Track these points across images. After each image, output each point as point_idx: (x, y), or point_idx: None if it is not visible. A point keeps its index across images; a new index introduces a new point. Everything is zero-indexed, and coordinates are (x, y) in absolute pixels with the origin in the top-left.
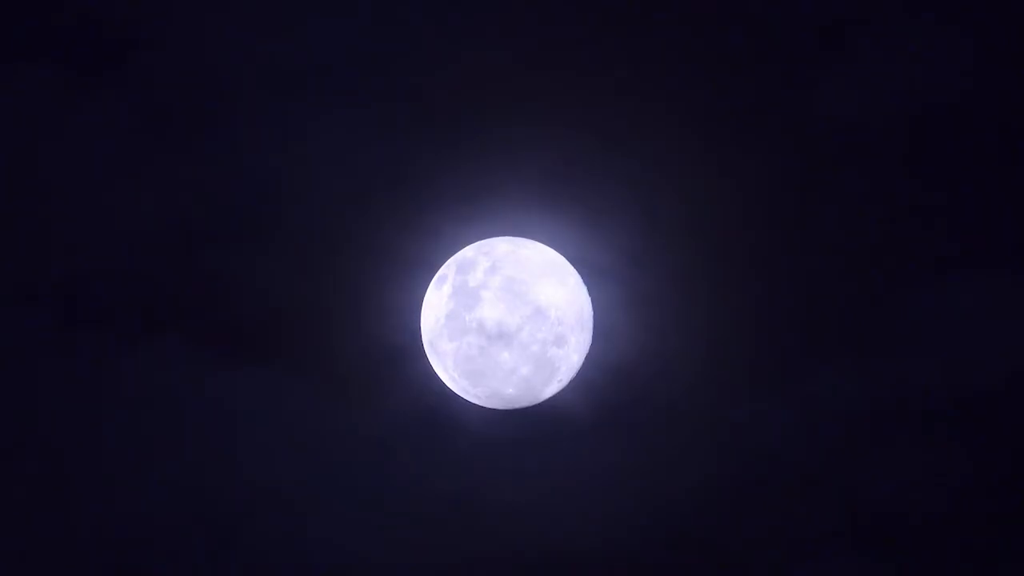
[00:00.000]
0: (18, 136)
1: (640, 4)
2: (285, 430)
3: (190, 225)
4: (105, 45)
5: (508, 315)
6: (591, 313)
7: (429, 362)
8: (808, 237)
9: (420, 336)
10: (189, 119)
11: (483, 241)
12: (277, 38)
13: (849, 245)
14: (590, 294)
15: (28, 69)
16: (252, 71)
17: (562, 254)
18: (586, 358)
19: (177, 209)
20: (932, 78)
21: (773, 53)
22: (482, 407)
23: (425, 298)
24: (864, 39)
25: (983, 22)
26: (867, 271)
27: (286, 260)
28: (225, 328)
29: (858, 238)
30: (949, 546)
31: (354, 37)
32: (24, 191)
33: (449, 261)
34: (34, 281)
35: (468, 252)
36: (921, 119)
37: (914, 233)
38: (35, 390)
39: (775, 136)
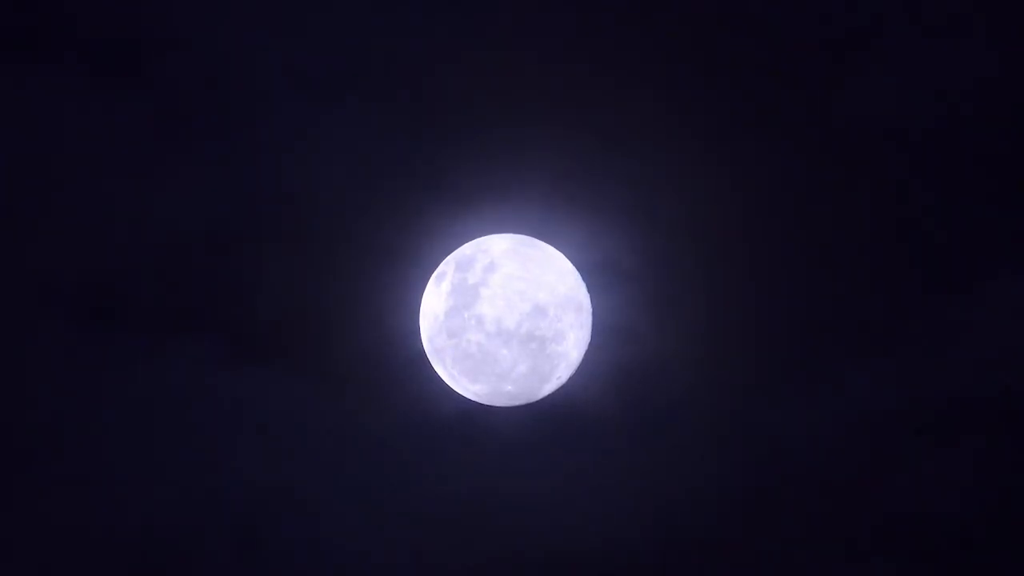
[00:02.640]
0: (42, 137)
1: (646, 4)
2: (284, 429)
3: (198, 228)
4: (132, 47)
5: (507, 312)
6: (590, 310)
7: (428, 359)
8: (824, 239)
9: (419, 333)
10: (205, 122)
11: (482, 238)
12: (298, 40)
13: (873, 248)
14: (589, 291)
15: (54, 70)
16: (270, 73)
17: (561, 251)
18: (585, 355)
19: (184, 213)
20: (960, 80)
21: (789, 55)
22: (481, 404)
23: (424, 295)
24: (883, 42)
25: (1007, 25)
26: (892, 274)
27: (287, 259)
28: (227, 329)
29: (881, 241)
30: (977, 553)
31: (357, 38)
32: (47, 192)
33: (448, 258)
34: (55, 282)
35: (467, 249)
36: (948, 122)
37: (942, 236)
38: (56, 390)
39: (799, 135)
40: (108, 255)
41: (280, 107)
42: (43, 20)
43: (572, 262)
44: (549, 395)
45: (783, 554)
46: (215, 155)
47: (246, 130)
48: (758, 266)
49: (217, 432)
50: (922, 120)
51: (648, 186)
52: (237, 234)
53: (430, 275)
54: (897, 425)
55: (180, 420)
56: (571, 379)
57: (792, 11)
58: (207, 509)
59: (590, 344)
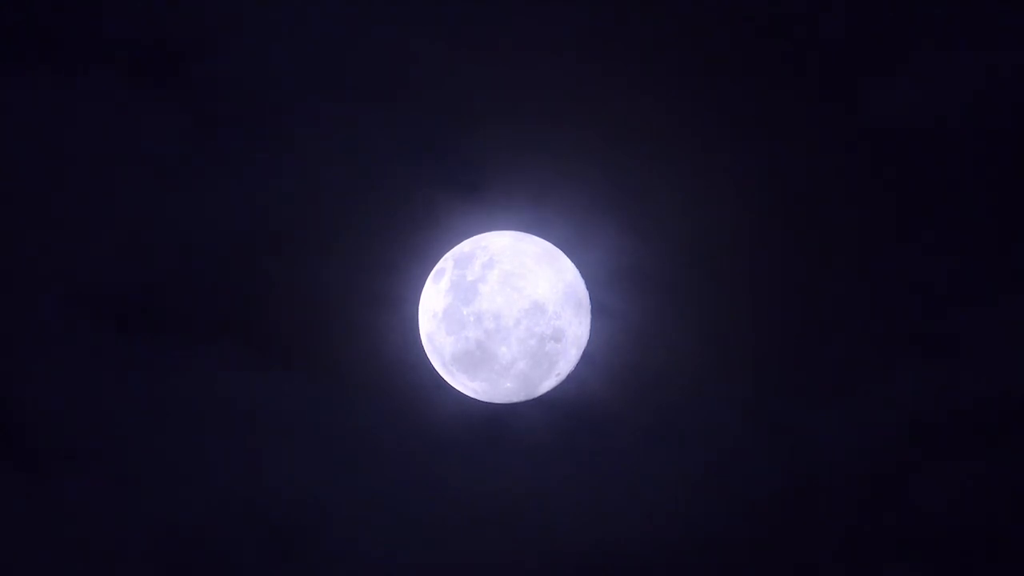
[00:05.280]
0: (77, 142)
1: (662, 2)
2: (283, 428)
3: (223, 234)
4: (165, 53)
5: (506, 309)
6: (589, 307)
7: (427, 356)
8: (839, 243)
9: (418, 330)
10: (235, 130)
11: (481, 235)
12: (330, 47)
13: (897, 252)
14: (588, 289)
15: (89, 76)
16: (289, 80)
17: (560, 248)
18: (584, 352)
19: (210, 219)
20: (984, 86)
21: (806, 58)
22: (479, 401)
23: (423, 292)
24: (901, 47)
25: None
26: (924, 280)
27: (299, 262)
28: (243, 334)
29: (912, 245)
30: (1011, 559)
31: (360, 37)
32: (75, 199)
33: (447, 255)
34: (86, 287)
35: (466, 246)
36: (973, 130)
37: (977, 242)
38: (85, 396)
39: (823, 138)
40: (140, 262)
41: (292, 112)
42: (78, 24)
43: (571, 258)
44: (548, 392)
45: (791, 556)
46: (240, 163)
47: (272, 137)
48: (763, 268)
49: (235, 436)
50: (947, 125)
51: (651, 183)
52: (258, 239)
53: (429, 271)
54: (956, 433)
55: (205, 425)
56: (570, 376)
57: (810, 14)
58: (238, 514)
59: (589, 341)
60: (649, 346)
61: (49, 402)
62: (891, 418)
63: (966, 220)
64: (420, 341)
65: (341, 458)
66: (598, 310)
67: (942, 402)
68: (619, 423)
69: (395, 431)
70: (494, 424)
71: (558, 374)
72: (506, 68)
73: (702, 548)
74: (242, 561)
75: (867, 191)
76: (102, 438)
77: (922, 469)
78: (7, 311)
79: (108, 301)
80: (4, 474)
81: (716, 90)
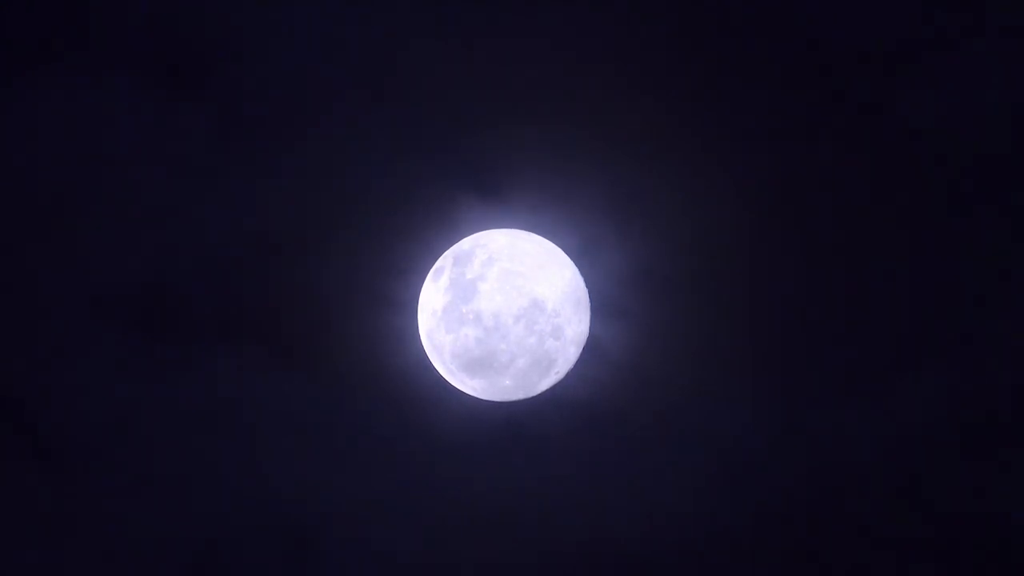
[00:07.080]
0: (85, 144)
1: (683, 7)
2: (281, 423)
3: (235, 237)
4: (185, 56)
5: (505, 307)
6: (589, 305)
7: (426, 354)
8: (856, 247)
9: (417, 328)
10: (254, 134)
11: (480, 233)
12: (358, 52)
13: (905, 253)
14: (588, 286)
15: (99, 79)
16: (328, 85)
17: (560, 246)
18: (583, 351)
19: (223, 222)
20: (990, 84)
21: (832, 67)
22: (478, 399)
23: (422, 290)
24: (931, 57)
25: None
26: (928, 280)
27: (287, 258)
28: (227, 330)
29: (915, 245)
30: None
31: (361, 37)
32: (95, 202)
33: (446, 253)
34: (89, 289)
35: (465, 244)
36: (975, 131)
37: (996, 249)
38: (105, 398)
39: (846, 145)
40: (139, 264)
41: (293, 113)
42: (100, 28)
43: (571, 256)
44: (547, 390)
45: (792, 557)
46: (240, 164)
47: (272, 138)
48: (765, 268)
49: (236, 437)
50: (948, 124)
51: (653, 182)
52: (259, 239)
53: (428, 269)
54: (984, 435)
55: (206, 425)
56: (569, 374)
57: (810, 14)
58: (240, 514)
59: (588, 338)
60: (650, 344)
61: (58, 402)
62: (896, 419)
63: (972, 221)
64: (419, 340)
65: (340, 457)
66: (598, 308)
67: (952, 405)
68: (619, 422)
69: (394, 429)
70: (494, 422)
71: (557, 372)
72: (506, 68)
73: (703, 548)
74: (243, 560)
75: (870, 191)
76: (105, 438)
77: (932, 472)
78: (22, 313)
79: (109, 302)
80: (19, 474)
81: (718, 90)
